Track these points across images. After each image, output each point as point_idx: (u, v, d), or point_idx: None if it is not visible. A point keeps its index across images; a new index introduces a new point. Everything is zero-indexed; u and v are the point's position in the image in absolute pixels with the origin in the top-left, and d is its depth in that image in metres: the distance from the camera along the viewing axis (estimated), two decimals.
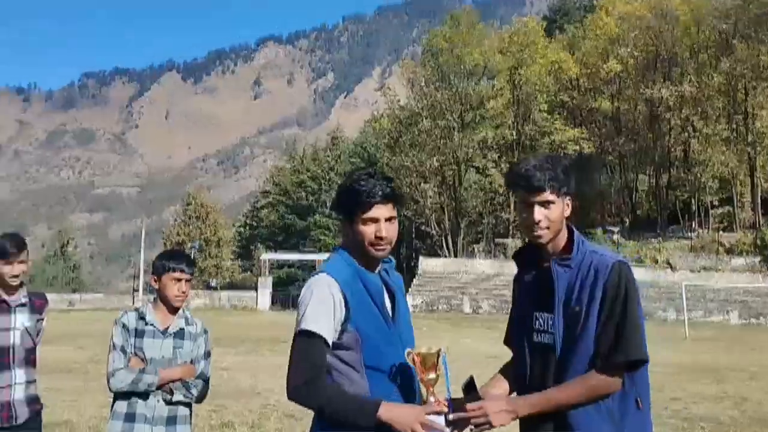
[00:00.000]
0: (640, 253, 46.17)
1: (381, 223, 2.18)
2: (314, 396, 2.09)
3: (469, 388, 2.23)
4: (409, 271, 58.64)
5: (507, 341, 2.45)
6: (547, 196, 2.16)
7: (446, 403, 2.08)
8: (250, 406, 8.39)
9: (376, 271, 2.28)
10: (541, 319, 2.20)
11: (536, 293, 2.24)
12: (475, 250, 53.34)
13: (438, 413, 2.06)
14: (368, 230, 2.18)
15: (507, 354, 2.41)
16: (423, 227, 57.25)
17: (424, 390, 2.13)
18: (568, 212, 2.24)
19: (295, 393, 2.12)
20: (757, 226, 47.54)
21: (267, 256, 52.80)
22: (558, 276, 2.17)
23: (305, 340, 2.12)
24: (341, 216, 2.26)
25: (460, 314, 39.35)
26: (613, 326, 2.08)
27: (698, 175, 49.08)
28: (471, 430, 2.08)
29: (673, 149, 53.28)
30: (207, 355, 3.29)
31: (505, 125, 54.29)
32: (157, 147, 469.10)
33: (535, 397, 2.10)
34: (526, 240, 2.37)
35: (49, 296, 3.40)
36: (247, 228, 76.01)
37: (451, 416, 2.06)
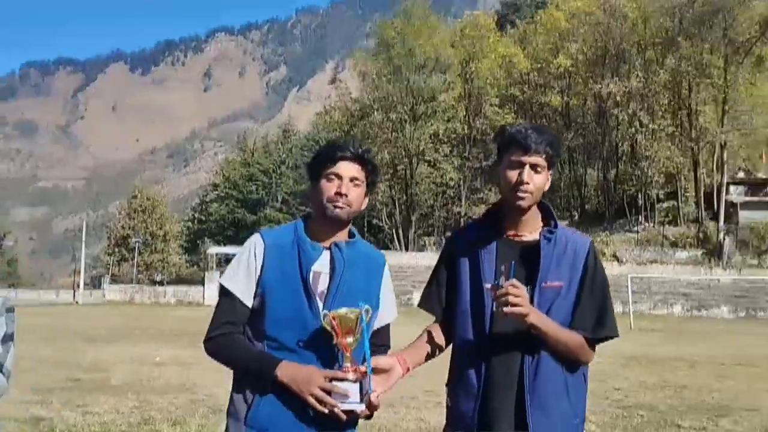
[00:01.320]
0: None
1: (344, 180, 2.09)
2: (219, 352, 2.08)
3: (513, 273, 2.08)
4: None
5: (430, 305, 2.31)
6: (540, 160, 2.13)
7: (361, 369, 1.95)
8: (177, 401, 7.97)
9: (326, 244, 2.12)
10: (506, 271, 2.13)
11: (505, 263, 2.13)
12: (426, 243, 53.40)
13: (343, 379, 1.93)
14: (329, 186, 2.10)
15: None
16: (374, 221, 57.08)
17: (344, 354, 2.01)
18: (547, 186, 2.21)
19: (205, 348, 2.11)
20: (700, 220, 48.76)
21: (214, 250, 51.94)
22: (544, 248, 2.14)
23: (221, 296, 2.14)
24: (311, 179, 2.18)
25: (411, 307, 39.24)
26: (596, 304, 2.15)
27: (645, 169, 50.05)
28: (496, 309, 2.03)
29: (620, 144, 54.26)
30: (4, 339, 2.45)
31: (457, 119, 54.49)
32: (104, 139, 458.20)
33: (544, 316, 2.08)
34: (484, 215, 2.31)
35: None
36: (196, 222, 74.72)
37: (489, 285, 2.05)
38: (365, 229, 64.50)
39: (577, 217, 55.35)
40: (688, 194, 52.70)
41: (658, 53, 50.41)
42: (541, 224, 2.21)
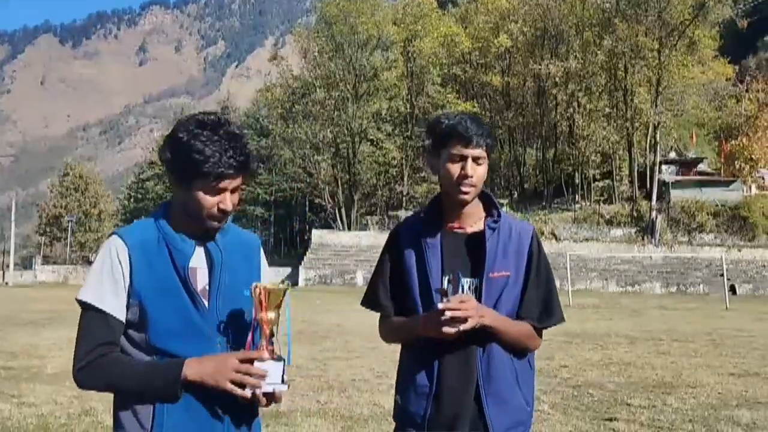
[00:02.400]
0: None
1: (227, 194, 1.81)
2: (99, 377, 1.77)
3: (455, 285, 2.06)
4: (302, 244, 58.10)
5: (377, 303, 2.24)
6: (482, 152, 2.09)
7: (276, 352, 1.80)
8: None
9: (197, 235, 1.87)
10: (453, 284, 2.09)
11: (450, 256, 2.13)
12: (369, 222, 53.42)
13: (260, 359, 1.75)
14: (209, 201, 1.80)
15: None
16: (316, 200, 56.71)
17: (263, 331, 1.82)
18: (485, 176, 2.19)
19: (77, 379, 1.79)
20: (634, 198, 50.24)
21: None
22: (488, 239, 2.12)
23: (84, 314, 1.81)
24: (172, 174, 1.83)
25: (354, 287, 39.27)
26: (543, 291, 2.14)
27: (582, 149, 51.16)
28: (442, 320, 1.95)
29: (559, 124, 55.26)
30: None
31: (399, 97, 54.40)
32: (33, 114, 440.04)
33: (495, 312, 2.06)
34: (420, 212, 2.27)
35: None
36: (132, 200, 72.81)
37: (440, 305, 1.94)
38: (307, 209, 64.13)
39: (516, 196, 56.26)
40: (622, 173, 54.19)
41: (596, 34, 51.34)
42: (483, 214, 2.17)
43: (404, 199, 53.76)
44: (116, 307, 1.78)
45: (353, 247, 45.85)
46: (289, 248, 64.61)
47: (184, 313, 1.78)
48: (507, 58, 54.65)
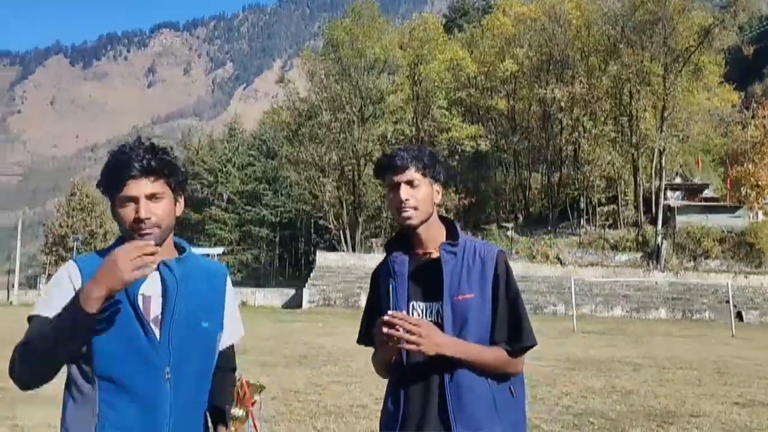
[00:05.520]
0: (532, 248, 47.59)
1: (141, 201, 1.80)
2: (24, 362, 1.71)
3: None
4: (307, 266, 57.97)
5: (364, 340, 2.31)
6: (412, 174, 2.15)
7: None
8: None
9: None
10: (419, 309, 2.14)
11: (415, 282, 2.17)
12: (374, 244, 53.30)
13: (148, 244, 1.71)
14: (126, 212, 1.82)
15: None
16: (321, 221, 56.70)
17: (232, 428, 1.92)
18: (438, 199, 2.22)
19: (13, 376, 1.75)
20: (639, 224, 50.03)
21: None
22: (445, 262, 2.13)
23: (29, 324, 1.80)
24: (109, 198, 1.89)
25: (358, 309, 39.04)
26: (512, 314, 2.13)
27: (587, 174, 51.10)
28: (388, 341, 1.99)
29: (564, 148, 55.23)
30: None
31: (405, 120, 54.60)
32: (42, 134, 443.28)
33: (461, 343, 2.05)
34: (397, 231, 2.33)
35: None
36: None
37: (386, 317, 1.96)
38: (312, 230, 64.09)
39: (521, 220, 56.14)
40: (627, 198, 54.00)
41: (601, 60, 51.48)
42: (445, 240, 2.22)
43: None
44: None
45: (358, 269, 45.68)
46: (294, 270, 64.51)
47: (133, 340, 1.73)
48: (512, 82, 54.84)
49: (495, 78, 54.60)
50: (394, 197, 2.16)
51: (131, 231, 1.80)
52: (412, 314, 2.11)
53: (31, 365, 1.70)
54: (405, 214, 2.13)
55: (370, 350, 2.27)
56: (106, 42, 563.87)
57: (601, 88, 50.36)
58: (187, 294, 1.84)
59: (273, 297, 43.96)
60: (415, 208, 2.13)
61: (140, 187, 1.79)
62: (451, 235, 2.21)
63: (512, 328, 2.12)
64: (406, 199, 2.12)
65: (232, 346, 2.05)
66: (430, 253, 2.18)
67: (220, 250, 49.05)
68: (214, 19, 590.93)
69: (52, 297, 1.78)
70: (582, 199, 53.98)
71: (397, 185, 2.14)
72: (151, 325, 1.78)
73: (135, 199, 1.79)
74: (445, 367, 2.04)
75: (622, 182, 53.15)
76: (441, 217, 2.26)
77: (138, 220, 1.78)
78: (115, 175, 1.81)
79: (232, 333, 2.01)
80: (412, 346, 1.96)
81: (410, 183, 2.14)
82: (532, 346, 2.16)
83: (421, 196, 2.14)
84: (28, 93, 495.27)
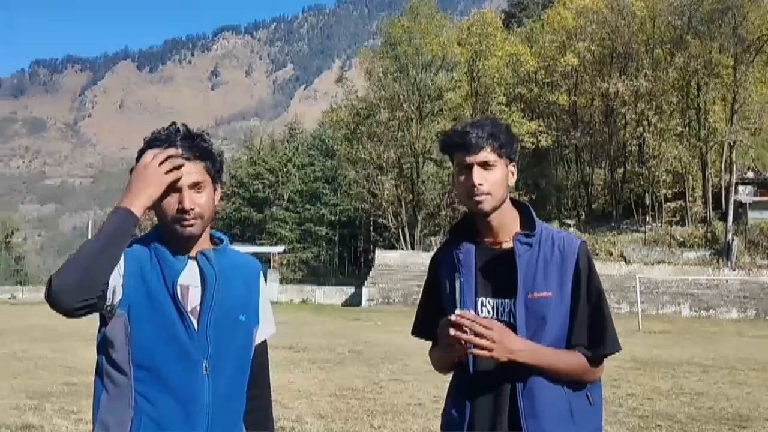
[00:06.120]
0: (595, 246, 46.53)
1: (184, 191, 1.73)
2: (66, 268, 1.56)
3: None
4: (366, 264, 58.22)
5: (420, 331, 2.15)
6: (487, 155, 1.91)
7: None
8: None
9: (191, 254, 1.80)
10: (489, 306, 1.92)
11: (484, 276, 1.94)
12: (432, 242, 53.12)
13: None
14: (169, 202, 1.74)
15: None
16: (380, 220, 56.86)
17: None
18: (512, 180, 1.98)
19: (56, 293, 1.55)
20: (708, 220, 48.35)
21: None
22: (520, 255, 1.91)
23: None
24: None
25: (416, 307, 38.97)
26: (594, 315, 1.92)
27: (652, 169, 49.68)
28: (457, 345, 1.79)
29: (628, 143, 53.91)
30: None
31: (463, 117, 54.13)
32: (111, 137, 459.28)
33: (536, 348, 1.84)
34: (463, 214, 2.09)
35: None
36: None
37: (453, 317, 1.76)
38: (371, 229, 64.33)
39: (584, 217, 55.05)
40: (696, 194, 52.29)
41: (667, 52, 49.97)
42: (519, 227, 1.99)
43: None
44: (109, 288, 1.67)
45: (417, 267, 45.59)
46: (353, 268, 64.89)
47: (171, 330, 1.69)
48: (574, 76, 53.77)
49: (555, 73, 53.67)
50: (465, 180, 1.92)
51: (173, 222, 1.74)
52: (481, 312, 1.90)
53: (77, 269, 1.57)
54: (477, 199, 1.90)
55: (426, 344, 2.12)
56: (171, 46, 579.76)
57: (667, 81, 48.91)
58: (225, 286, 1.79)
59: (333, 295, 44.31)
60: (489, 194, 1.90)
61: (185, 176, 1.73)
62: (526, 222, 1.98)
63: (593, 332, 1.91)
64: (480, 184, 1.89)
65: (263, 345, 1.97)
66: (501, 243, 1.97)
67: (280, 248, 49.69)
68: (275, 21, 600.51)
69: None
70: (647, 195, 52.53)
71: (470, 167, 1.91)
72: (190, 315, 1.74)
73: (178, 189, 1.73)
74: (518, 375, 1.84)
75: (690, 177, 51.50)
76: (514, 201, 2.03)
77: (182, 210, 1.72)
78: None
79: (264, 329, 1.94)
80: (483, 352, 1.77)
81: (484, 164, 1.90)
82: (615, 352, 1.95)
83: (495, 179, 1.91)
84: (98, 97, 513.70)
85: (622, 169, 54.82)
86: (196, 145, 1.76)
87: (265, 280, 2.03)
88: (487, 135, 1.91)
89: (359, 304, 40.79)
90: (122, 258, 1.70)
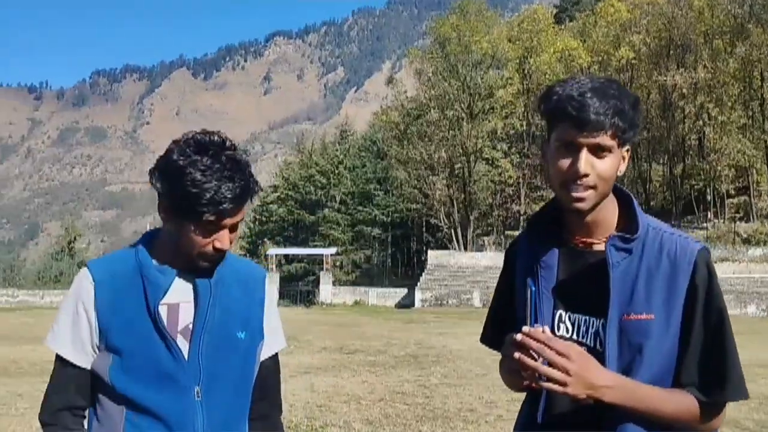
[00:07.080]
0: None
1: (225, 232, 1.54)
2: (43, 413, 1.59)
3: None
4: (419, 265, 58.03)
5: (488, 340, 1.70)
6: (605, 139, 1.39)
7: None
8: None
9: (181, 266, 1.60)
10: (568, 323, 1.48)
11: (567, 285, 1.49)
12: (485, 242, 52.61)
13: None
14: (202, 240, 1.53)
15: None
16: (432, 220, 56.59)
17: None
18: (623, 169, 1.47)
19: (42, 424, 1.60)
20: None
21: (274, 251, 52.32)
22: (614, 264, 1.43)
23: (56, 362, 1.61)
24: (162, 201, 1.57)
25: (470, 308, 38.59)
26: (712, 346, 1.42)
27: (713, 163, 48.10)
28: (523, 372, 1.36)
29: (687, 138, 52.34)
30: None
31: (515, 115, 53.55)
32: (168, 143, 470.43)
33: (629, 385, 1.37)
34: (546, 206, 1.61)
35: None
36: (257, 223, 75.68)
37: (518, 336, 1.33)
38: (423, 229, 64.11)
39: None
40: (761, 188, 50.45)
41: (727, 42, 48.30)
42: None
43: (521, 218, 52.53)
44: (80, 354, 1.58)
45: (469, 268, 45.18)
46: (406, 269, 64.74)
47: (153, 356, 1.52)
48: (629, 70, 52.47)
49: (610, 67, 52.44)
50: (566, 164, 1.42)
51: (199, 257, 1.55)
52: (558, 330, 1.48)
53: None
54: (576, 195, 1.42)
55: (482, 351, 1.86)
56: (224, 53, 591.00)
57: (728, 72, 47.26)
58: (221, 299, 1.61)
59: (385, 297, 44.25)
60: (593, 188, 1.41)
61: (228, 220, 1.53)
62: (628, 218, 1.49)
63: (711, 369, 1.42)
64: (585, 174, 1.40)
65: (272, 360, 1.75)
66: (593, 244, 1.50)
67: (333, 250, 49.94)
68: (325, 25, 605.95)
69: (64, 325, 1.60)
70: (708, 190, 50.86)
71: (578, 148, 1.41)
72: (178, 337, 1.56)
73: (218, 229, 1.53)
74: (605, 418, 1.40)
75: (754, 171, 49.67)
76: (615, 190, 1.52)
77: (217, 250, 1.54)
78: (208, 200, 1.48)
79: (271, 344, 1.74)
80: (556, 387, 1.32)
81: (597, 149, 1.41)
82: (740, 399, 1.43)
83: (605, 169, 1.42)
84: (155, 105, 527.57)
85: (682, 165, 53.24)
86: (244, 185, 1.52)
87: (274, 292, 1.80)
88: (613, 111, 1.38)
89: (412, 305, 40.62)
90: (91, 286, 1.57)
